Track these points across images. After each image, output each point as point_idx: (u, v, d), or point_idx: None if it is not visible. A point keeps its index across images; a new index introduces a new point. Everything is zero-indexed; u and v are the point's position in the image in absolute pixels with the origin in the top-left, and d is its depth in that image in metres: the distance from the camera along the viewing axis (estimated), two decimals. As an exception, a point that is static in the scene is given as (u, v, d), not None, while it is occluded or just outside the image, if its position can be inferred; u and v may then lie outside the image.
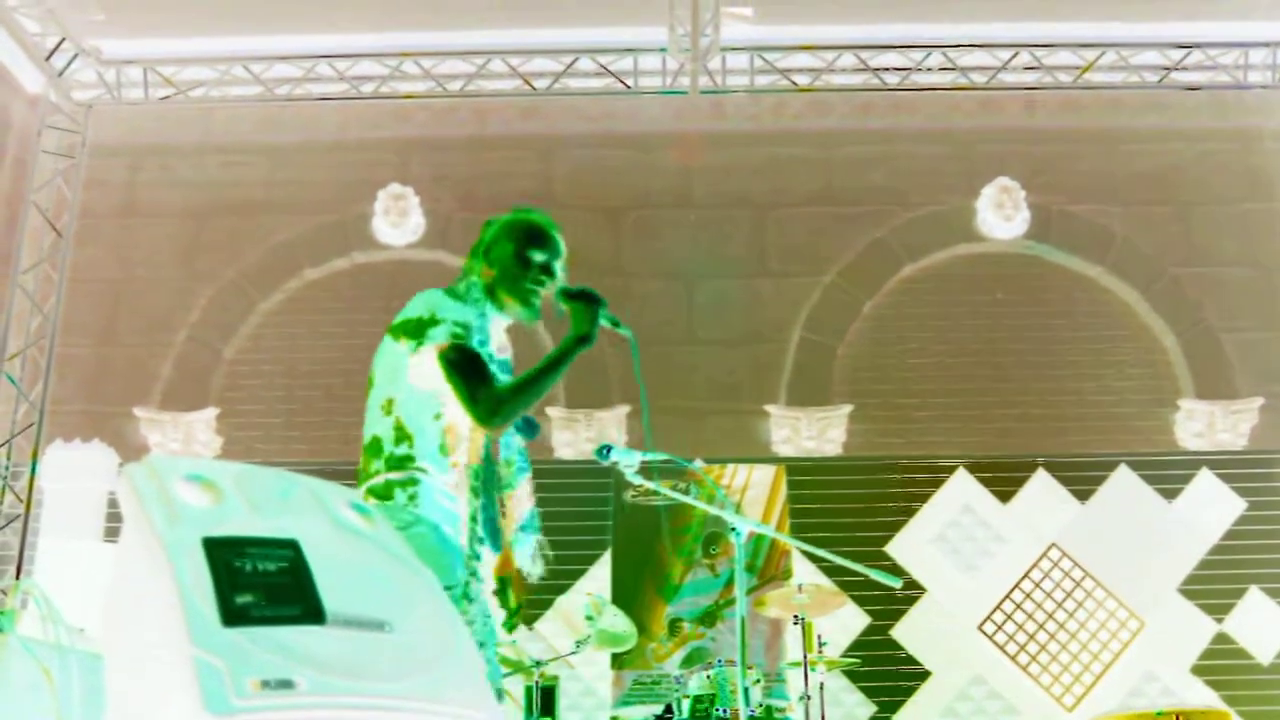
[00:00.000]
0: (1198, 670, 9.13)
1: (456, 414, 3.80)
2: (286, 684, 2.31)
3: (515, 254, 3.99)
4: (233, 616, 2.36)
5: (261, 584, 2.48)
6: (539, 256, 3.98)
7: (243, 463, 2.78)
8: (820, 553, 6.99)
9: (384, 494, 3.78)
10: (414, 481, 3.78)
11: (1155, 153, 10.45)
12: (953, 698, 9.15)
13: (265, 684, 2.27)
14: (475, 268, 4.06)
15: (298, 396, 10.18)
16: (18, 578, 9.14)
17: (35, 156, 10.41)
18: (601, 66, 10.41)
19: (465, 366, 3.76)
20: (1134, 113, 10.55)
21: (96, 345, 10.30)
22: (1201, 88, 10.38)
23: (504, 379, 3.89)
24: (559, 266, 4.02)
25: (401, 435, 3.85)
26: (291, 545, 2.59)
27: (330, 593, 2.55)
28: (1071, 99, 10.56)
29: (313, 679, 2.35)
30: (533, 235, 4.02)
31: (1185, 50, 10.24)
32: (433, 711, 2.54)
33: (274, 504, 2.69)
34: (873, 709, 9.05)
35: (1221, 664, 9.13)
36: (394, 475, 3.80)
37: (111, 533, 9.27)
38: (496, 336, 4.01)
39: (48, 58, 10.15)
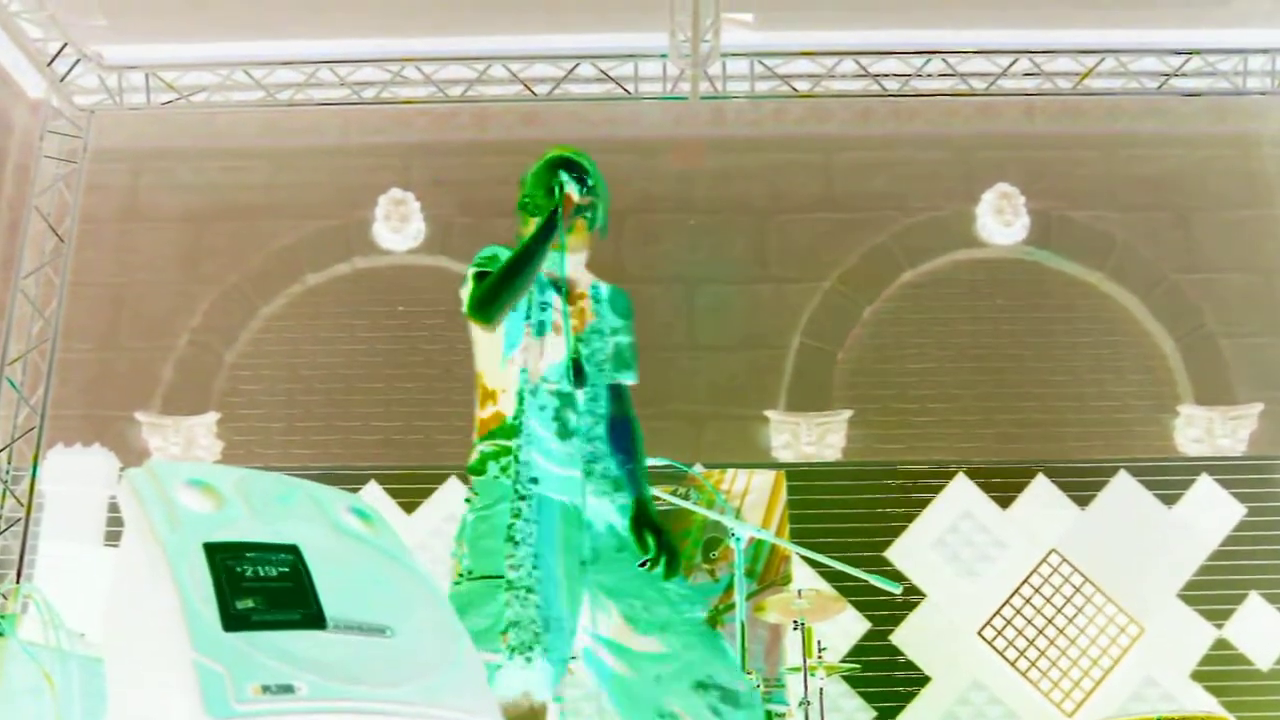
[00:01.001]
0: (1197, 676, 9.10)
1: (519, 348, 3.75)
2: (287, 689, 2.31)
3: (543, 189, 3.90)
4: (233, 621, 2.37)
5: (262, 589, 2.48)
6: (562, 178, 3.85)
7: (244, 467, 2.79)
8: (820, 558, 7.02)
9: (478, 469, 3.70)
10: (506, 451, 3.63)
11: (1155, 158, 10.43)
12: (952, 703, 9.12)
13: (266, 688, 2.27)
14: (522, 225, 4.00)
15: (299, 401, 10.16)
16: (18, 582, 9.08)
17: (37, 161, 10.40)
18: (602, 72, 10.39)
19: (477, 283, 3.71)
20: (1133, 119, 10.53)
21: (98, 349, 10.28)
22: (1201, 94, 10.36)
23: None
24: (581, 188, 3.86)
25: (486, 396, 3.78)
26: (292, 550, 2.59)
27: (331, 598, 2.55)
28: (1071, 105, 10.55)
29: (313, 684, 2.35)
30: (555, 166, 3.93)
31: (1184, 57, 10.23)
32: (433, 716, 2.54)
33: (275, 509, 2.69)
34: (872, 714, 9.03)
35: (1221, 670, 9.11)
36: (485, 447, 3.70)
37: (112, 537, 9.27)
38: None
39: (50, 63, 10.13)
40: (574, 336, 3.78)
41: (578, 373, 3.74)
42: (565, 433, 3.71)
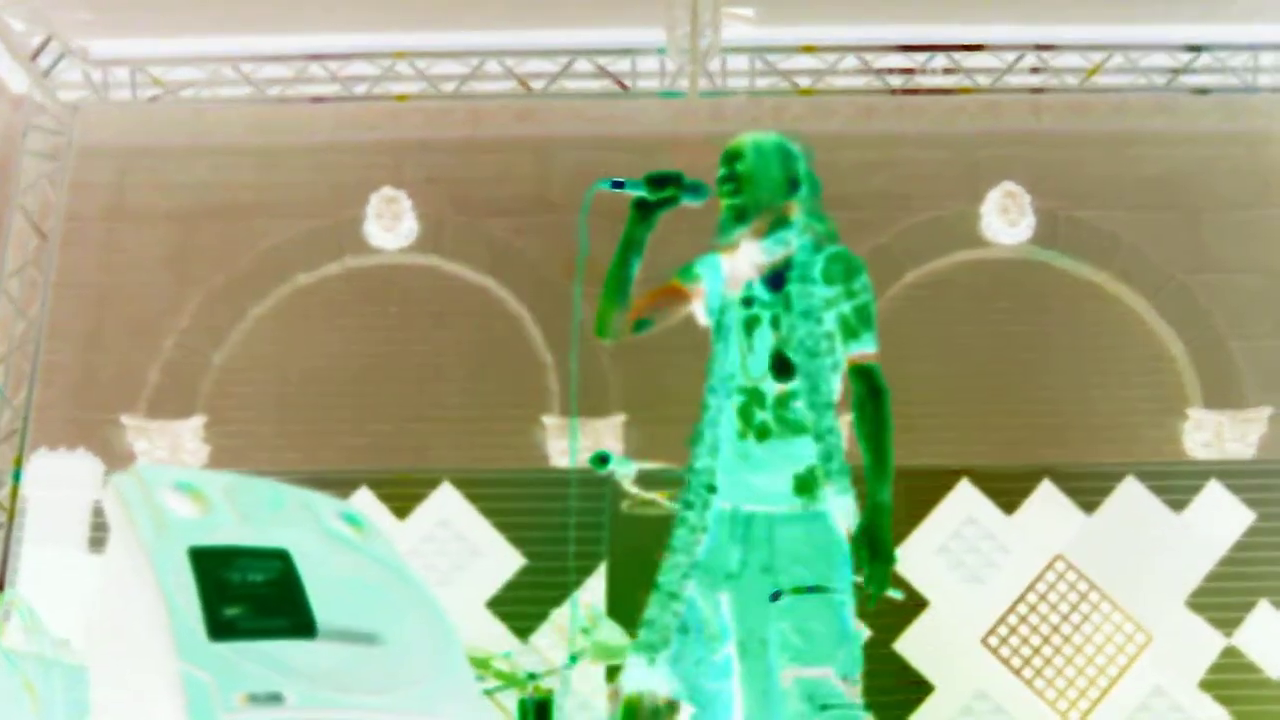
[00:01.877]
0: (1206, 685, 8.99)
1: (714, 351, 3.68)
2: (275, 698, 2.34)
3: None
4: (220, 629, 2.38)
5: (250, 596, 2.47)
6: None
7: (232, 472, 2.75)
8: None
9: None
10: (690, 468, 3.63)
11: (1163, 157, 10.36)
12: (956, 712, 9.02)
13: (253, 698, 2.31)
14: None
15: (288, 404, 10.10)
16: (1, 588, 9.05)
17: (20, 158, 10.28)
18: (599, 68, 10.29)
19: None
20: (1141, 116, 10.43)
21: (82, 351, 10.20)
22: (1211, 91, 10.26)
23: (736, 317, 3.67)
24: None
25: None
26: (281, 556, 2.58)
27: (321, 604, 2.56)
28: (1078, 102, 10.46)
29: (302, 693, 2.38)
30: None
31: (1194, 53, 10.14)
32: (424, 726, 2.49)
33: (264, 514, 2.71)
34: (874, 724, 8.91)
35: (1231, 678, 8.99)
36: None
37: (97, 542, 9.21)
38: (738, 268, 3.74)
39: (33, 57, 9.99)
40: (766, 329, 3.61)
41: (779, 366, 3.57)
42: (744, 433, 3.56)
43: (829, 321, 3.56)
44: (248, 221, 10.44)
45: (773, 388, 3.54)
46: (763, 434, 3.52)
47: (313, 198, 10.46)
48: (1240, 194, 10.28)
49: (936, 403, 9.83)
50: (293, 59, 10.29)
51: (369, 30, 10.13)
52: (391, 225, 10.32)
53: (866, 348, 3.56)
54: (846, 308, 3.56)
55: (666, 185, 3.67)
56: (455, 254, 10.31)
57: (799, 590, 3.38)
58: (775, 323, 3.58)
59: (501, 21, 10.02)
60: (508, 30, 10.11)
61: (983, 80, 10.26)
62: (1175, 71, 10.19)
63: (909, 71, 10.28)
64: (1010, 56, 10.21)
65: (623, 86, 10.32)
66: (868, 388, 3.54)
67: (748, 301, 3.65)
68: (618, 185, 3.65)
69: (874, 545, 3.39)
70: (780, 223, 3.69)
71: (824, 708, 3.35)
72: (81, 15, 9.86)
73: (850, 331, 3.55)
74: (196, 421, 10.00)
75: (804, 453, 3.50)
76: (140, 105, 10.47)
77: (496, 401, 9.95)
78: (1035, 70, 10.24)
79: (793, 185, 3.70)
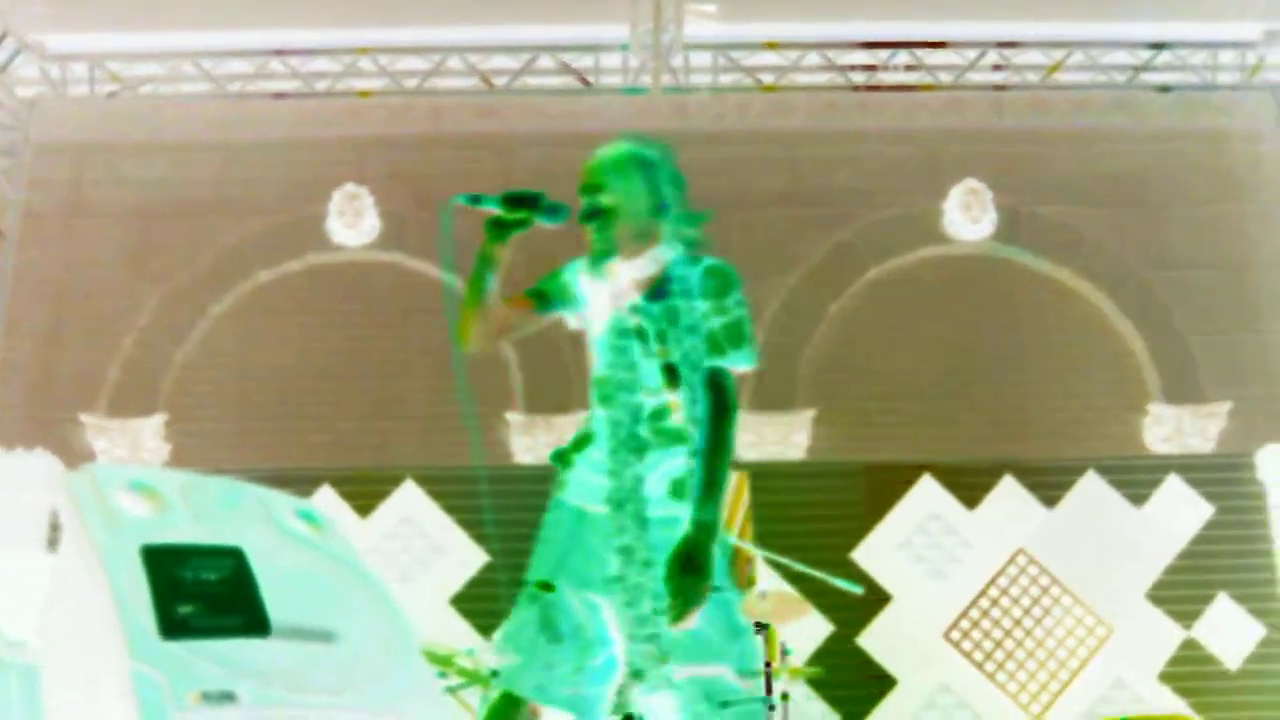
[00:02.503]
0: (1165, 677, 9.07)
1: (593, 361, 3.65)
2: (228, 696, 2.30)
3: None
4: (173, 628, 2.34)
5: (203, 594, 2.43)
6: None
7: (193, 470, 2.74)
8: (782, 560, 6.88)
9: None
10: (569, 463, 3.61)
11: (1124, 154, 10.38)
12: (919, 706, 9.06)
13: (206, 696, 2.27)
14: None
15: (250, 402, 10.01)
16: None
17: (-25, 155, 10.17)
18: (561, 64, 10.29)
19: None
20: (1102, 113, 10.48)
21: (41, 349, 10.08)
22: (1171, 88, 10.35)
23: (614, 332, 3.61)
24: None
25: None
26: (234, 554, 2.54)
27: (275, 602, 2.52)
28: (1040, 99, 10.50)
29: (255, 691, 2.34)
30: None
31: (1154, 50, 10.23)
32: (378, 724, 2.48)
33: (219, 513, 2.66)
34: (838, 718, 8.93)
35: (1190, 670, 9.08)
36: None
37: (55, 543, 9.07)
38: (619, 284, 3.66)
39: (-11, 53, 9.92)
40: (650, 342, 3.56)
41: (669, 378, 3.53)
42: (617, 444, 3.51)
43: (703, 337, 3.53)
44: (208, 218, 10.33)
45: (651, 401, 3.52)
46: (640, 447, 3.49)
47: (274, 194, 10.36)
48: (1200, 191, 10.32)
49: (898, 398, 9.89)
50: (253, 55, 10.24)
51: (331, 26, 10.07)
52: (354, 222, 10.23)
53: (734, 365, 3.54)
54: (716, 323, 3.53)
55: (522, 206, 3.60)
56: (418, 251, 10.23)
57: None
58: (661, 336, 3.53)
59: (464, 17, 9.98)
60: (470, 26, 10.09)
61: (945, 77, 10.32)
62: (1136, 69, 10.29)
63: (871, 68, 10.32)
64: (972, 54, 10.27)
65: (585, 83, 10.32)
66: (717, 402, 3.49)
67: (633, 312, 3.59)
68: (474, 200, 3.63)
69: (689, 562, 3.29)
70: (650, 241, 3.65)
71: (724, 705, 3.31)
72: (37, 10, 9.74)
73: (715, 347, 3.52)
74: (157, 420, 9.91)
75: (680, 461, 3.47)
76: (98, 101, 10.39)
77: (459, 399, 9.91)
78: (997, 67, 10.31)
79: (660, 207, 3.65)
